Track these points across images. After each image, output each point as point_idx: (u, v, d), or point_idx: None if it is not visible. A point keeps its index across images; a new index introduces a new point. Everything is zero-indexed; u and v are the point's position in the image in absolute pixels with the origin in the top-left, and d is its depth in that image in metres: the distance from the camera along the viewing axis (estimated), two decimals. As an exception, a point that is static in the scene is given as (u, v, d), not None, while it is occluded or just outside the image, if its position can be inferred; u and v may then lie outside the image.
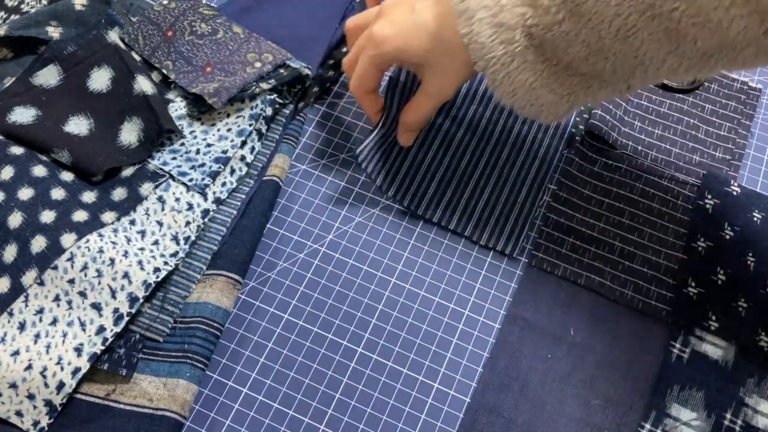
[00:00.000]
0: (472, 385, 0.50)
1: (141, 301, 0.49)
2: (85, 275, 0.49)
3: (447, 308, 0.53)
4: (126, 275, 0.49)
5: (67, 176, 0.54)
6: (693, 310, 0.52)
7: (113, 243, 0.50)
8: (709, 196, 0.57)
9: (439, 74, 0.50)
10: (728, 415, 0.48)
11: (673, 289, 0.53)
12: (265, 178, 0.57)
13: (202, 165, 0.55)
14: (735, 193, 0.57)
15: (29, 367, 0.47)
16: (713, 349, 0.51)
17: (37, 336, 0.48)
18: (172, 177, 0.55)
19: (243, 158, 0.57)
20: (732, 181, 0.58)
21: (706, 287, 0.53)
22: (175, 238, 0.53)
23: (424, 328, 0.52)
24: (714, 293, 0.52)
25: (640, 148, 0.60)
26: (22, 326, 0.48)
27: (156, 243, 0.52)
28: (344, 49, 0.65)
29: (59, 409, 0.46)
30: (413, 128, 0.56)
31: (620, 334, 0.52)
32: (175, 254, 0.52)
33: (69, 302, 0.49)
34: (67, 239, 0.50)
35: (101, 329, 0.48)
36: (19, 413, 0.46)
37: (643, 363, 0.51)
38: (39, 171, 0.53)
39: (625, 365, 0.51)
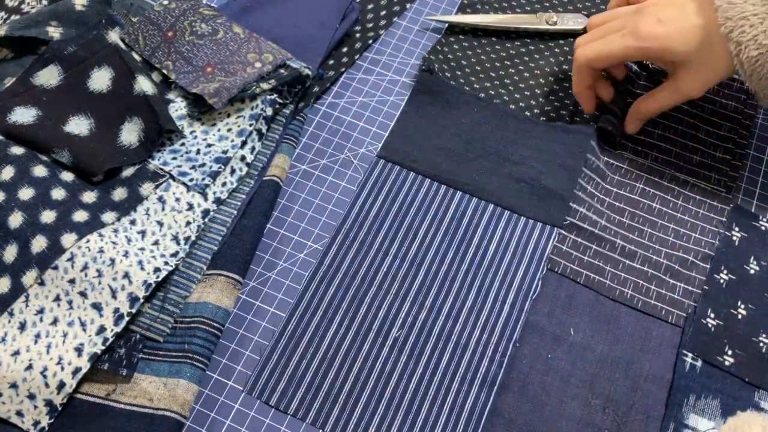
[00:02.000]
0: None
1: (141, 301, 0.49)
2: (86, 275, 0.49)
3: (447, 308, 0.53)
4: (126, 275, 0.49)
5: (67, 176, 0.54)
6: (710, 341, 0.51)
7: (113, 243, 0.50)
8: (737, 229, 0.56)
9: (696, 73, 0.53)
10: None
11: (687, 316, 0.53)
12: (265, 178, 0.57)
13: (203, 165, 0.55)
14: (764, 228, 0.56)
15: (30, 367, 0.47)
16: (727, 356, 0.51)
17: (38, 336, 0.48)
18: (172, 177, 0.55)
19: (243, 158, 0.57)
20: (761, 216, 0.57)
21: (726, 320, 0.52)
22: (176, 238, 0.53)
23: (424, 328, 0.52)
24: (733, 327, 0.52)
25: (640, 148, 0.60)
26: (22, 326, 0.48)
27: (156, 243, 0.52)
28: (344, 49, 0.65)
29: (60, 409, 0.47)
30: (644, 118, 0.59)
31: (620, 334, 0.52)
32: (175, 254, 0.52)
33: (69, 302, 0.49)
34: (68, 239, 0.50)
35: (102, 329, 0.48)
36: (19, 413, 0.46)
37: (643, 362, 0.51)
38: (39, 171, 0.53)
39: (625, 365, 0.51)
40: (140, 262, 0.50)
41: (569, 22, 0.67)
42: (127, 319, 0.48)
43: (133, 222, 0.53)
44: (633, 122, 0.59)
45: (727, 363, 0.50)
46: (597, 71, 0.58)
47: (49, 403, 0.46)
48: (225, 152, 0.56)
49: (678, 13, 0.53)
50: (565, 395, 0.49)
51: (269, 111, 0.58)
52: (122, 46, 0.59)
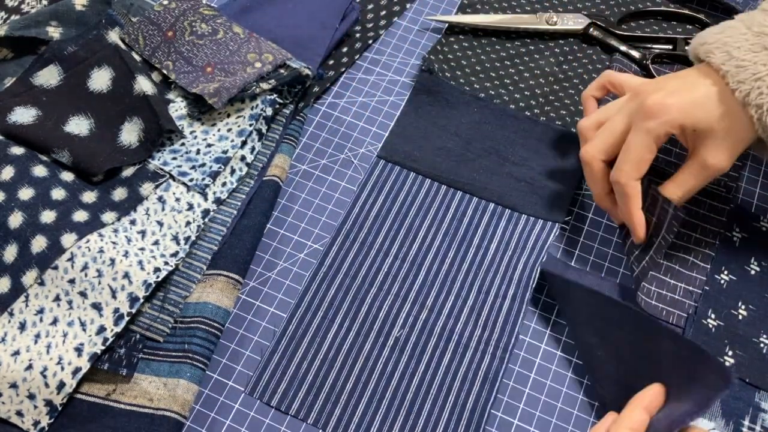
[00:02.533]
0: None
1: (141, 301, 0.49)
2: (86, 275, 0.49)
3: (447, 308, 0.53)
4: (126, 275, 0.49)
5: (67, 176, 0.54)
6: (710, 342, 0.51)
7: (113, 243, 0.50)
8: (737, 229, 0.56)
9: (724, 143, 0.47)
10: (746, 422, 0.48)
11: (688, 316, 0.52)
12: (265, 178, 0.57)
13: (203, 165, 0.55)
14: (764, 228, 0.56)
15: (30, 367, 0.47)
16: (727, 357, 0.51)
17: (38, 336, 0.48)
18: (172, 177, 0.55)
19: (243, 158, 0.57)
20: (762, 217, 0.57)
21: (726, 321, 0.52)
22: (176, 238, 0.53)
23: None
24: (733, 327, 0.52)
25: None
26: (22, 326, 0.48)
27: (156, 243, 0.52)
28: (344, 49, 0.65)
29: (60, 409, 0.46)
30: (681, 201, 0.50)
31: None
32: (175, 254, 0.52)
33: (69, 302, 0.49)
34: (68, 239, 0.50)
35: (101, 329, 0.48)
36: (19, 413, 0.46)
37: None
38: (39, 171, 0.53)
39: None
40: (140, 262, 0.50)
41: (569, 22, 0.67)
42: (127, 319, 0.48)
43: (133, 222, 0.53)
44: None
45: (727, 363, 0.50)
46: (648, 164, 0.49)
47: (49, 403, 0.46)
48: (225, 152, 0.56)
49: (682, 83, 0.48)
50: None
51: (269, 111, 0.58)
52: (122, 46, 0.59)
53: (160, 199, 0.54)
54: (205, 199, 0.54)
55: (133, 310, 0.48)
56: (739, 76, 0.46)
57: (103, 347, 0.47)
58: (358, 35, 0.66)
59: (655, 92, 0.48)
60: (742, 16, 0.49)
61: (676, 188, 0.50)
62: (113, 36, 0.60)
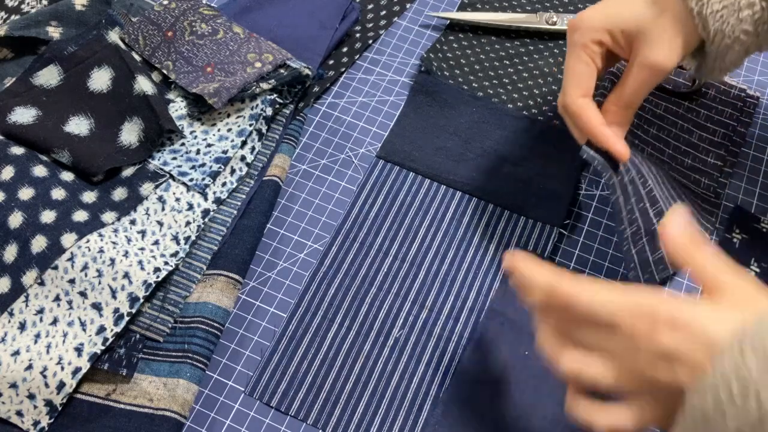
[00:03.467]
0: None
1: (141, 301, 0.49)
2: (86, 275, 0.49)
3: (447, 308, 0.53)
4: (126, 275, 0.49)
5: (67, 176, 0.54)
6: None
7: (113, 243, 0.50)
8: (737, 231, 0.56)
9: (657, 38, 0.45)
10: None
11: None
12: (265, 178, 0.57)
13: (203, 165, 0.55)
14: (765, 230, 0.56)
15: (29, 367, 0.47)
16: None
17: (38, 336, 0.48)
18: (172, 177, 0.55)
19: (243, 158, 0.57)
20: (762, 218, 0.57)
21: None
22: (176, 238, 0.53)
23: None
24: None
25: (636, 141, 0.60)
26: (22, 326, 0.48)
27: (156, 243, 0.52)
28: (344, 49, 0.65)
29: (59, 409, 0.47)
30: (626, 106, 0.48)
31: None
32: (175, 254, 0.52)
33: (69, 302, 0.49)
34: (68, 239, 0.50)
35: (101, 329, 0.48)
36: (19, 413, 0.46)
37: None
38: (39, 171, 0.53)
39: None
40: (140, 262, 0.50)
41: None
42: (127, 319, 0.48)
43: (133, 222, 0.53)
44: (610, 112, 0.49)
45: None
46: (591, 80, 0.48)
47: (49, 403, 0.46)
48: (225, 152, 0.56)
49: None
50: (541, 394, 0.49)
51: (269, 111, 0.58)
52: (122, 46, 0.59)
53: (160, 199, 0.54)
54: (205, 199, 0.54)
55: (133, 310, 0.48)
56: None
57: (103, 347, 0.47)
58: (358, 35, 0.66)
59: (584, 10, 0.48)
60: None
61: (628, 87, 0.47)
62: (113, 36, 0.60)
